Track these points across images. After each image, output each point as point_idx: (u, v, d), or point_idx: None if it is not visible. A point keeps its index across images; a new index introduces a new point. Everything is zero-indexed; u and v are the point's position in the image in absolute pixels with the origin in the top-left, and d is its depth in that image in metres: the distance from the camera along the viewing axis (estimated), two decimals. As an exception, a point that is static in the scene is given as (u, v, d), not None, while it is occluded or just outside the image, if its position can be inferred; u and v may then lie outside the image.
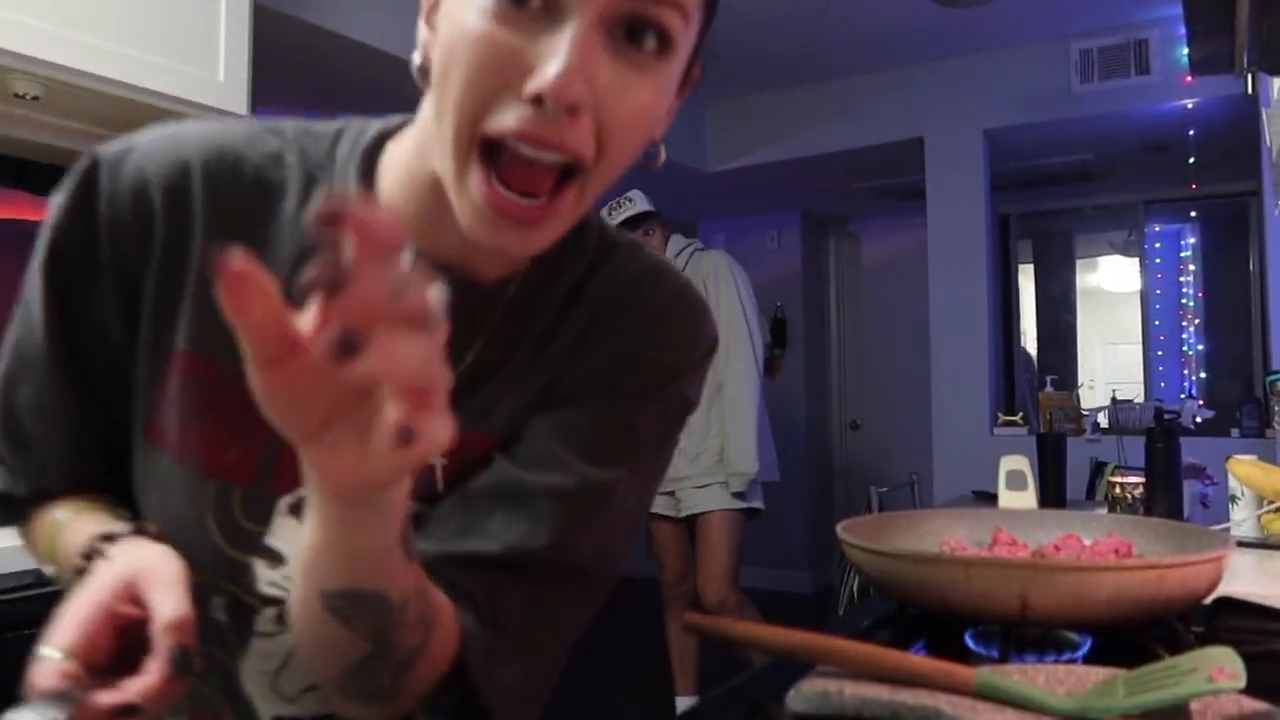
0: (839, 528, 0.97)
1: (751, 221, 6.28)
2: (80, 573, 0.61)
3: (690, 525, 3.31)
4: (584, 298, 0.72)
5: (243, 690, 0.70)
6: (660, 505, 3.25)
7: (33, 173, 2.47)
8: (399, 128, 0.71)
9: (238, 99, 2.21)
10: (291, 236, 0.67)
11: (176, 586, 0.57)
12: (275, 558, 0.67)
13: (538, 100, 0.54)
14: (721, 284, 3.28)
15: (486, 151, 0.57)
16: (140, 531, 0.64)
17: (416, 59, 0.64)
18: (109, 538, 0.62)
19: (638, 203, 3.25)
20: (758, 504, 3.32)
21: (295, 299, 0.40)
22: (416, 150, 0.67)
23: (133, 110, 2.11)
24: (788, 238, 6.25)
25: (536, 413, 0.70)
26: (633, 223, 3.19)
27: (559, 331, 0.71)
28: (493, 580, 0.66)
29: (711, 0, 0.62)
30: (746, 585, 3.46)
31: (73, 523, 0.68)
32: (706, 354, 0.77)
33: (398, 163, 0.68)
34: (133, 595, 0.57)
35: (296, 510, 0.67)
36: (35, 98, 1.94)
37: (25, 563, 1.41)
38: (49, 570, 0.71)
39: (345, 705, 0.64)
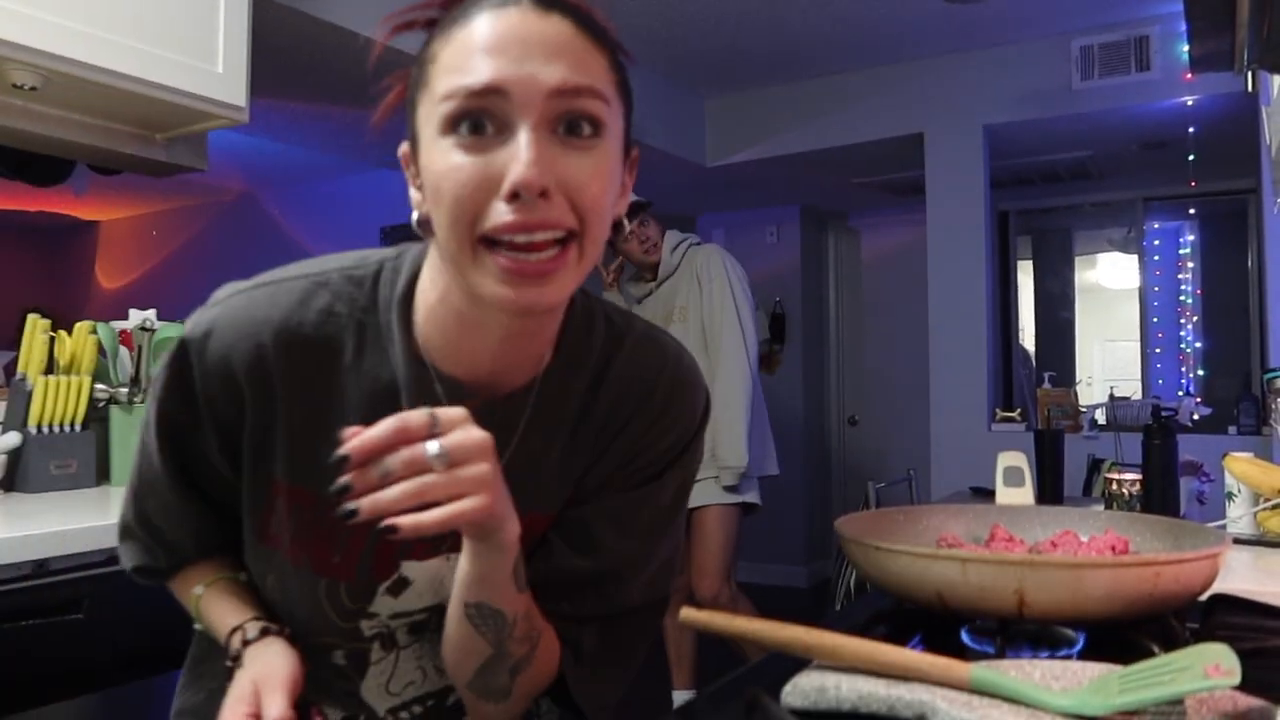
0: (836, 524, 0.97)
1: (751, 216, 6.28)
2: (231, 668, 0.85)
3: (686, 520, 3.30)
4: (605, 383, 0.88)
5: (363, 699, 0.91)
6: None
7: (31, 163, 2.47)
8: (421, 262, 0.84)
9: (237, 91, 2.20)
10: (354, 384, 0.83)
11: (282, 692, 0.79)
12: (374, 616, 0.88)
13: (514, 195, 0.68)
14: (714, 277, 3.28)
15: (489, 245, 0.71)
16: (267, 632, 0.86)
17: (415, 216, 0.77)
18: (246, 643, 0.85)
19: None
20: (753, 499, 3.31)
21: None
22: (437, 290, 0.81)
23: (131, 102, 2.10)
24: (787, 233, 6.24)
25: (583, 494, 0.88)
26: (629, 213, 3.19)
27: (590, 415, 0.88)
28: (572, 626, 0.87)
29: (626, 86, 0.78)
30: (743, 580, 3.46)
31: (208, 597, 0.91)
32: (703, 418, 0.93)
33: (426, 302, 0.82)
34: (256, 695, 0.80)
35: (392, 590, 0.87)
36: (33, 88, 1.93)
37: (22, 553, 1.41)
38: (198, 627, 0.96)
39: (473, 703, 0.86)
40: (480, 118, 0.70)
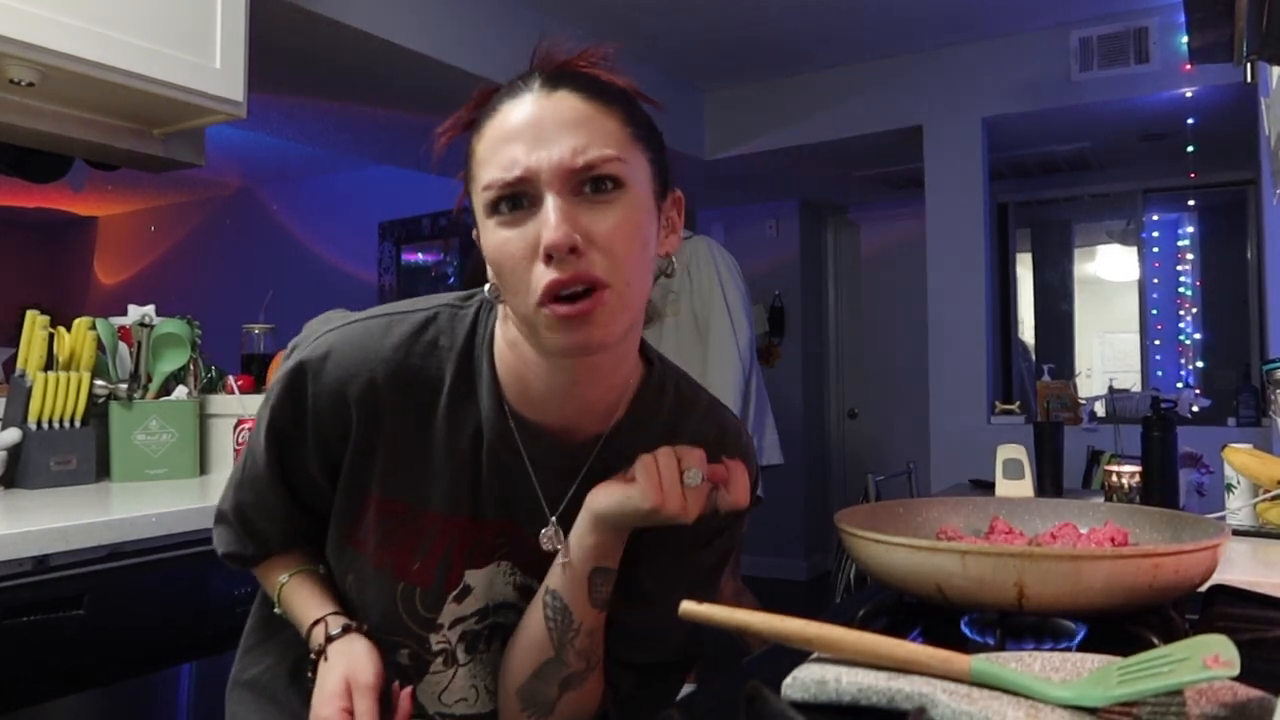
0: (836, 516, 0.97)
1: (750, 210, 6.27)
2: (315, 661, 0.96)
3: None
4: (678, 437, 0.93)
5: (416, 697, 0.99)
6: None
7: (29, 159, 2.46)
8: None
9: (234, 86, 2.20)
10: (448, 413, 0.93)
11: (372, 693, 0.92)
12: (439, 628, 0.98)
13: (549, 257, 0.79)
14: (701, 267, 3.30)
15: (541, 301, 0.80)
16: (348, 629, 0.96)
17: (488, 287, 0.89)
18: (330, 638, 0.95)
19: None
20: (776, 459, 3.34)
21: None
22: (508, 338, 0.92)
23: (129, 97, 2.10)
24: (786, 226, 6.24)
25: (635, 550, 0.96)
26: None
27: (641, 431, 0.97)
28: (617, 668, 1.01)
29: (649, 134, 0.88)
30: (744, 573, 3.46)
31: (291, 586, 1.01)
32: (753, 496, 1.00)
33: (500, 349, 0.93)
34: (349, 692, 0.92)
35: (457, 598, 0.98)
36: (30, 84, 1.93)
37: (23, 549, 1.41)
38: (279, 611, 1.04)
39: (514, 715, 0.98)
40: (515, 198, 0.81)
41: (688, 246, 3.36)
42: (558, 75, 0.84)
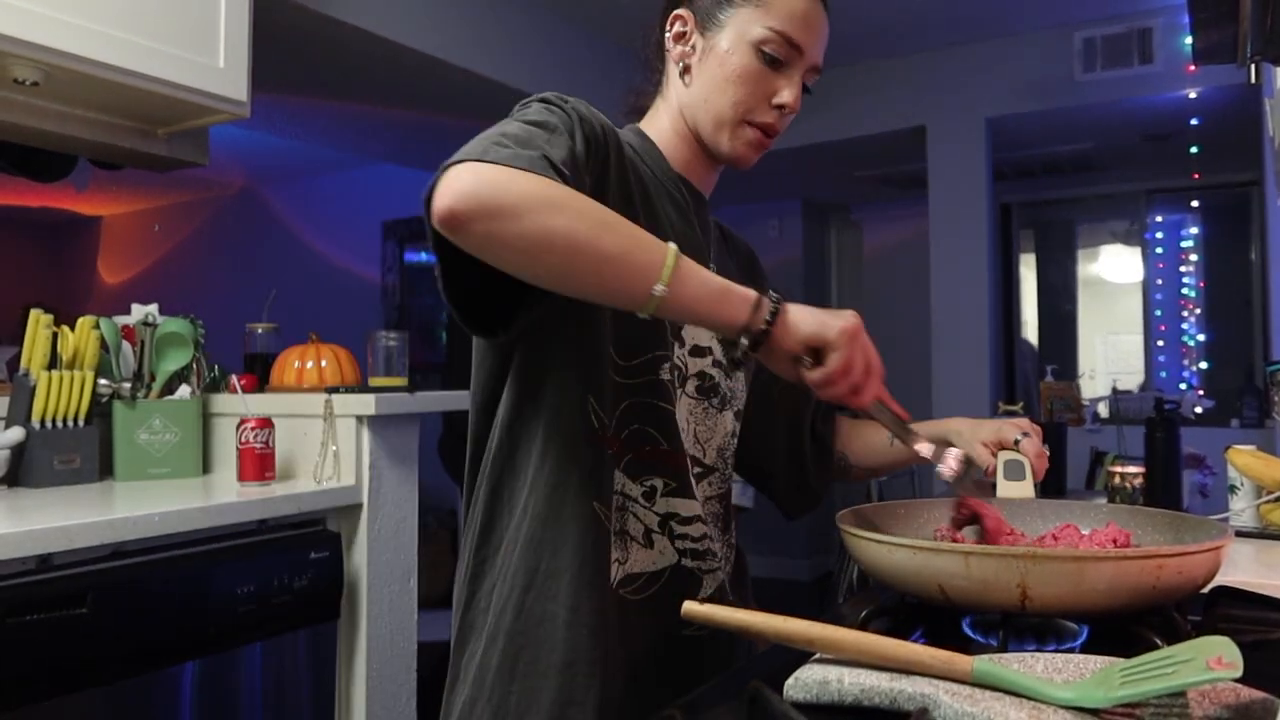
0: (837, 517, 0.97)
1: (753, 210, 6.27)
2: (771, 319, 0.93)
3: None
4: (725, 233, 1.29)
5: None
6: None
7: (33, 158, 2.47)
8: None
9: (237, 85, 2.20)
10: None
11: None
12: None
13: (781, 107, 1.10)
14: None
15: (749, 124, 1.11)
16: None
17: (680, 66, 1.14)
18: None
19: None
20: (745, 504, 3.31)
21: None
22: (672, 121, 1.15)
23: (133, 96, 2.10)
24: (789, 226, 6.24)
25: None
26: None
27: (728, 241, 1.29)
28: None
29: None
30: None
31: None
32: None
33: (660, 128, 1.16)
34: None
35: None
36: (35, 84, 1.93)
37: (26, 548, 1.42)
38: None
39: None
40: (780, 59, 1.09)
41: None
42: None
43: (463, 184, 0.82)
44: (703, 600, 0.81)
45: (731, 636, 1.07)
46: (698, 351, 1.11)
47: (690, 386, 1.10)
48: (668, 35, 1.14)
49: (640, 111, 1.21)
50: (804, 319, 0.89)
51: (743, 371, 1.19)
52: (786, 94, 1.08)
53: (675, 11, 1.13)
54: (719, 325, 0.89)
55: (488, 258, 0.85)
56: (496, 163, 0.83)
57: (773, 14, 1.07)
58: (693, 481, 1.09)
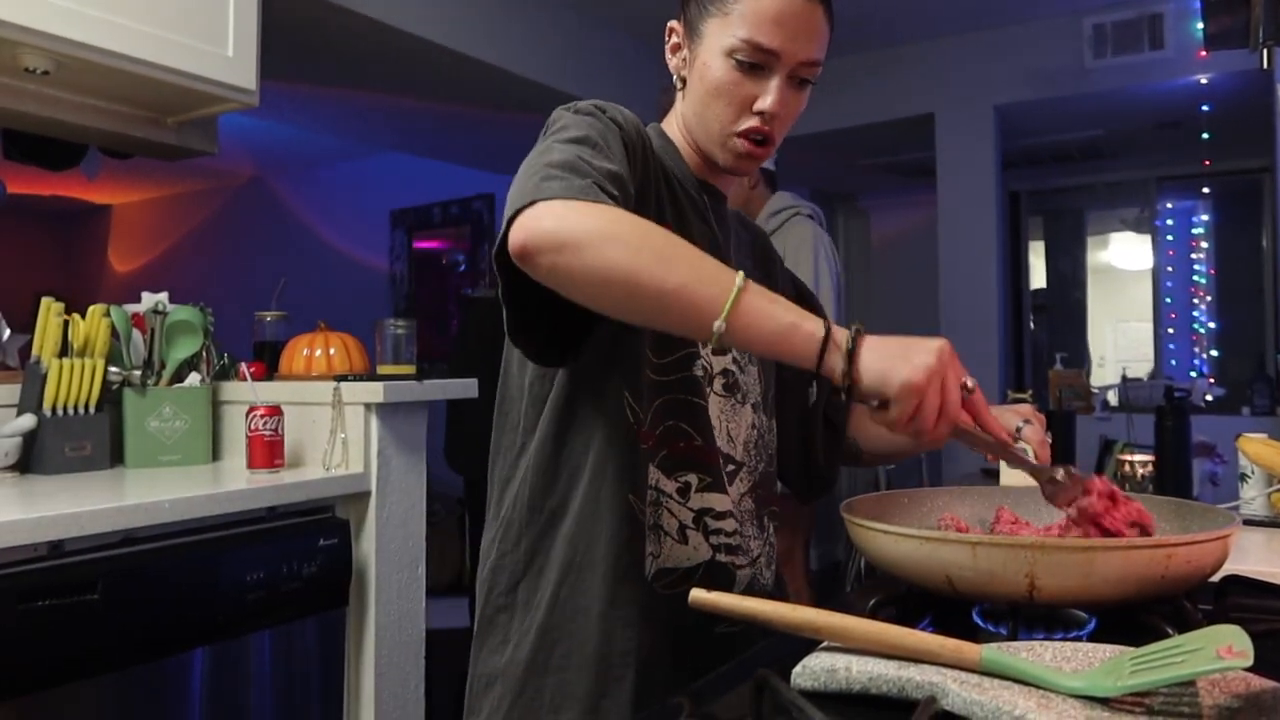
0: (841, 506, 0.97)
1: (761, 198, 6.25)
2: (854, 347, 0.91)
3: None
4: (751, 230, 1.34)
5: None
6: None
7: (43, 147, 2.47)
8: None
9: (247, 75, 2.20)
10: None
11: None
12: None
13: (761, 113, 1.07)
14: (801, 257, 3.21)
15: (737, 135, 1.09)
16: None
17: (677, 78, 1.15)
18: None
19: None
20: None
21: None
22: (680, 127, 1.16)
23: (142, 85, 2.11)
24: (797, 214, 6.21)
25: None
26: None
27: (745, 232, 1.31)
28: None
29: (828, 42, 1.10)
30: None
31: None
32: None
33: (675, 131, 1.17)
34: None
35: None
36: (45, 72, 1.94)
37: (38, 534, 1.42)
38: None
39: None
40: (755, 63, 1.06)
41: (794, 233, 3.29)
42: None
43: (529, 221, 0.87)
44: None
45: (764, 633, 1.06)
46: (719, 349, 1.12)
47: (718, 384, 1.12)
48: (667, 46, 1.15)
49: (665, 110, 1.21)
50: (870, 365, 0.82)
51: (755, 366, 1.19)
52: (765, 99, 1.06)
53: (670, 23, 1.15)
54: (787, 360, 0.85)
55: (558, 289, 0.88)
56: (552, 198, 0.87)
57: (740, 21, 1.05)
58: (725, 478, 1.10)
